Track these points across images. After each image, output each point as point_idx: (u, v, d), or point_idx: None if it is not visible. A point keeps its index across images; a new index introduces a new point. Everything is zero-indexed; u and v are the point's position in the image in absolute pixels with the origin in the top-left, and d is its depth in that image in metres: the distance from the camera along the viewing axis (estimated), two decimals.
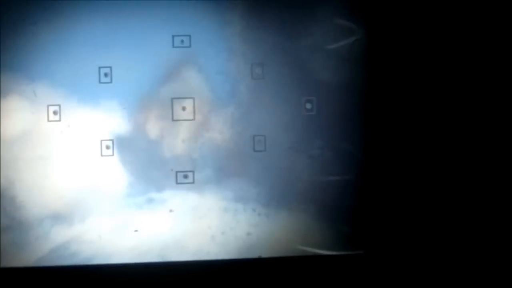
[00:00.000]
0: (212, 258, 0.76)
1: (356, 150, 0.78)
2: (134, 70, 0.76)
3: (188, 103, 0.77)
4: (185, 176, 0.77)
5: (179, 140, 0.77)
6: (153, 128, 0.77)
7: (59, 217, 0.75)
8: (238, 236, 0.76)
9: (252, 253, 0.76)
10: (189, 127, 0.77)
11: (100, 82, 0.76)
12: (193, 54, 0.77)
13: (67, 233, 0.75)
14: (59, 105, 0.75)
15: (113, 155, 0.76)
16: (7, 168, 0.74)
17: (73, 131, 0.76)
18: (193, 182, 0.77)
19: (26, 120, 0.75)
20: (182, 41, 0.77)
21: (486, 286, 0.74)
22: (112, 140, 0.76)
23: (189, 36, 0.77)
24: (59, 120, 0.75)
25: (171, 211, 0.76)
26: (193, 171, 0.77)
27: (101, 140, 0.76)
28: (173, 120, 0.77)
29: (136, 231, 0.76)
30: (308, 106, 0.78)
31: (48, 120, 0.75)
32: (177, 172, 0.77)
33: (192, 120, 0.77)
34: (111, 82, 0.76)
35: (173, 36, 0.77)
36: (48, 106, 0.75)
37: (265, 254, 0.77)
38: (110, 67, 0.76)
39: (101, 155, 0.76)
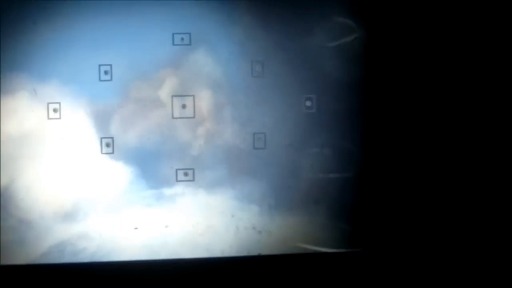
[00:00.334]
0: (211, 255, 0.76)
1: (356, 148, 0.78)
2: (134, 68, 0.76)
3: (188, 101, 0.77)
4: (185, 174, 0.77)
5: (179, 138, 0.77)
6: (153, 126, 0.77)
7: (59, 215, 0.75)
8: (237, 233, 0.77)
9: (251, 250, 0.77)
10: (189, 125, 0.77)
11: (100, 80, 0.76)
12: (193, 52, 0.77)
13: (67, 231, 0.75)
14: (59, 103, 0.75)
15: (113, 152, 0.76)
16: (7, 165, 0.74)
17: (73, 128, 0.76)
18: (193, 180, 0.77)
19: (26, 118, 0.75)
20: (182, 39, 0.77)
21: (485, 285, 0.74)
22: (112, 138, 0.76)
23: (189, 34, 0.77)
24: (59, 118, 0.75)
25: (170, 208, 0.76)
26: (193, 169, 0.77)
27: (101, 138, 0.76)
28: (173, 117, 0.77)
29: (136, 228, 0.76)
30: (308, 103, 0.78)
31: (48, 118, 0.75)
32: (177, 169, 0.77)
33: (192, 117, 0.77)
34: (111, 79, 0.76)
35: (173, 34, 0.77)
36: (48, 104, 0.75)
37: (264, 251, 0.77)
38: (110, 65, 0.76)
39: (101, 153, 0.76)
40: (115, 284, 0.74)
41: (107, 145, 0.76)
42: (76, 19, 0.75)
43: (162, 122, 0.77)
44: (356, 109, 0.79)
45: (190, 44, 0.77)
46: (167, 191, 0.77)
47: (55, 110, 0.75)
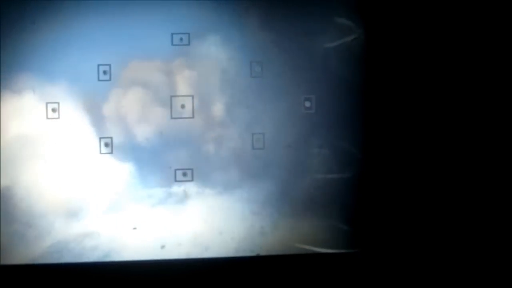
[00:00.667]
0: (210, 255, 0.76)
1: (355, 148, 0.78)
2: (133, 67, 0.76)
3: (187, 101, 0.77)
4: (184, 174, 0.77)
5: (178, 138, 0.77)
6: (152, 126, 0.77)
7: (57, 215, 0.75)
8: (236, 233, 0.77)
9: (249, 251, 0.77)
10: (188, 125, 0.77)
11: (99, 80, 0.76)
12: (192, 52, 0.77)
13: (66, 231, 0.75)
14: (58, 103, 0.75)
15: (112, 153, 0.76)
16: (6, 165, 0.74)
17: (72, 128, 0.75)
18: (191, 180, 0.77)
19: (25, 118, 0.75)
20: (181, 39, 0.77)
21: (485, 285, 0.74)
22: (111, 138, 0.76)
23: (188, 34, 0.77)
24: (58, 118, 0.75)
25: (169, 208, 0.76)
26: (191, 169, 0.77)
27: (100, 138, 0.76)
28: (172, 118, 0.77)
29: (134, 228, 0.76)
30: (307, 104, 0.78)
31: (47, 118, 0.75)
32: (175, 170, 0.77)
33: (191, 118, 0.77)
34: (110, 79, 0.76)
35: (172, 34, 0.77)
36: (47, 103, 0.75)
37: (262, 252, 0.77)
38: (109, 65, 0.76)
39: (100, 153, 0.76)
40: (114, 284, 0.74)
41: (106, 145, 0.76)
42: (75, 19, 0.75)
43: (161, 122, 0.77)
44: (355, 110, 0.79)
45: (189, 44, 0.77)
46: (166, 191, 0.77)
47: (53, 110, 0.75)
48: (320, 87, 0.78)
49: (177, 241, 0.76)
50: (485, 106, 0.76)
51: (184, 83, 0.77)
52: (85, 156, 0.76)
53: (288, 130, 0.78)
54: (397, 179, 0.77)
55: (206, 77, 0.78)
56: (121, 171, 0.76)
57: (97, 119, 0.76)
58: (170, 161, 0.77)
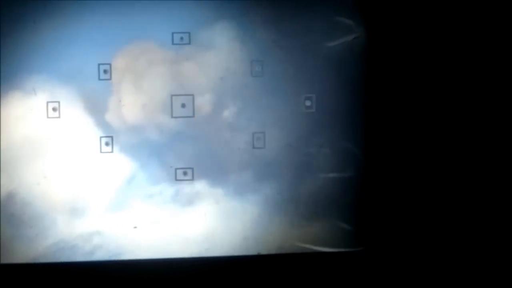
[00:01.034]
0: (211, 255, 0.76)
1: (356, 147, 0.78)
2: (133, 67, 0.76)
3: (187, 100, 0.77)
4: (185, 173, 0.77)
5: (178, 137, 0.77)
6: (153, 125, 0.77)
7: (58, 214, 0.75)
8: (237, 232, 0.77)
9: (251, 250, 0.77)
10: (188, 124, 0.77)
11: (99, 79, 0.76)
12: (192, 51, 0.77)
13: (66, 230, 0.75)
14: (59, 102, 0.75)
15: (112, 152, 0.76)
16: (7, 165, 0.74)
17: (72, 127, 0.75)
18: (192, 179, 0.77)
19: (25, 117, 0.75)
20: (181, 38, 0.77)
21: (487, 285, 0.74)
22: (112, 137, 0.76)
23: (189, 33, 0.77)
24: (59, 117, 0.75)
25: (170, 207, 0.76)
26: (192, 168, 0.77)
27: (100, 137, 0.76)
28: (172, 117, 0.77)
29: (135, 227, 0.76)
30: (308, 103, 0.78)
31: (48, 117, 0.75)
32: (176, 169, 0.77)
33: (191, 117, 0.77)
34: (110, 79, 0.76)
35: (172, 33, 0.77)
36: (47, 102, 0.75)
37: (264, 251, 0.77)
38: (110, 64, 0.76)
39: (100, 152, 0.76)
40: (114, 283, 0.73)
41: (106, 144, 0.76)
42: (76, 18, 0.75)
43: (161, 121, 0.77)
44: (356, 109, 0.78)
45: (189, 43, 0.77)
46: (166, 190, 0.76)
47: (54, 109, 0.75)
48: (320, 86, 0.78)
49: (178, 240, 0.76)
50: (488, 106, 0.76)
51: (184, 82, 0.77)
52: (86, 155, 0.76)
53: (289, 129, 0.78)
54: (399, 177, 0.77)
55: (207, 76, 0.78)
56: (121, 170, 0.76)
57: (97, 118, 0.76)
58: (170, 160, 0.77)
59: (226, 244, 0.76)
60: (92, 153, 0.76)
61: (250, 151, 0.78)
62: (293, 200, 0.78)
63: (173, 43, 0.77)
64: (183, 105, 0.77)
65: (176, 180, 0.77)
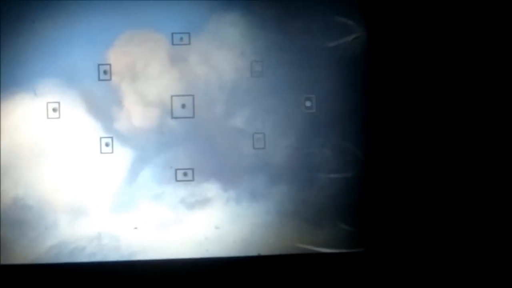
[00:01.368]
0: (211, 255, 0.76)
1: (357, 147, 0.78)
2: (133, 67, 0.76)
3: (187, 101, 0.77)
4: (185, 174, 0.77)
5: (178, 138, 0.77)
6: (153, 126, 0.77)
7: (58, 215, 0.75)
8: (237, 233, 0.76)
9: (251, 250, 0.76)
10: (188, 125, 0.77)
11: (99, 80, 0.76)
12: (192, 52, 0.77)
13: (66, 231, 0.75)
14: (59, 103, 0.75)
15: (112, 152, 0.76)
16: (6, 165, 0.74)
17: (72, 128, 0.75)
18: (192, 180, 0.77)
19: (25, 118, 0.75)
20: (181, 38, 0.77)
21: (490, 285, 0.73)
22: (112, 138, 0.76)
23: (189, 33, 0.77)
24: (59, 118, 0.75)
25: (170, 208, 0.76)
26: (192, 169, 0.77)
27: (101, 138, 0.76)
28: (172, 117, 0.77)
29: (135, 228, 0.75)
30: (308, 104, 0.78)
31: (48, 118, 0.75)
32: (176, 169, 0.77)
33: (191, 117, 0.77)
34: (110, 79, 0.76)
35: (172, 34, 0.77)
36: (47, 103, 0.75)
37: (264, 252, 0.76)
38: (109, 65, 0.76)
39: (101, 153, 0.76)
40: (114, 284, 0.73)
41: (107, 144, 0.76)
42: (76, 18, 0.75)
43: (161, 122, 0.77)
44: (357, 109, 0.78)
45: (189, 44, 0.77)
46: (167, 191, 0.76)
47: (54, 110, 0.75)
48: (321, 87, 0.78)
49: (178, 241, 0.75)
50: (489, 106, 0.76)
51: (184, 82, 0.78)
52: (86, 156, 0.76)
53: (289, 130, 0.78)
54: (400, 178, 0.77)
55: (207, 77, 0.78)
56: (121, 171, 0.76)
57: (97, 119, 0.76)
58: (170, 161, 0.77)
59: (226, 245, 0.76)
60: (92, 153, 0.76)
61: (250, 152, 0.78)
62: (294, 201, 0.77)
63: (173, 44, 0.77)
64: (183, 106, 0.77)
65: (177, 181, 0.77)
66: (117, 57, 0.76)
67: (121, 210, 0.76)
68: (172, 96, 0.77)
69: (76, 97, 0.76)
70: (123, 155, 0.76)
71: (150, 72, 0.77)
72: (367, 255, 0.76)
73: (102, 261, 0.75)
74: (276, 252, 0.76)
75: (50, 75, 0.75)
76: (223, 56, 0.78)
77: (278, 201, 0.77)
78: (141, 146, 0.77)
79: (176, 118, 0.77)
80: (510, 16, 0.76)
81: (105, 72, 0.76)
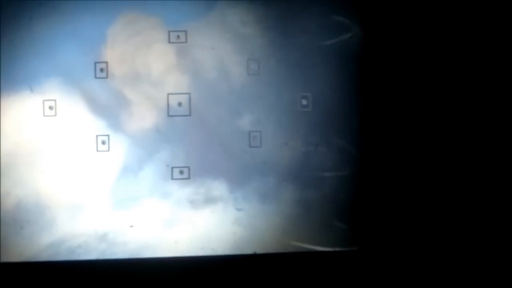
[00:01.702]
0: (206, 254, 0.76)
1: (352, 146, 0.78)
2: (130, 65, 0.76)
3: (184, 99, 0.77)
4: (181, 172, 0.77)
5: (174, 136, 0.77)
6: (149, 124, 0.77)
7: (54, 212, 0.75)
8: (233, 232, 0.77)
9: (246, 249, 0.77)
10: (185, 123, 0.77)
11: (96, 77, 0.76)
12: (189, 50, 0.77)
13: (62, 229, 0.75)
14: (55, 100, 0.75)
15: (108, 150, 0.76)
16: (4, 163, 0.74)
17: (68, 126, 0.76)
18: (188, 178, 0.77)
19: (22, 115, 0.75)
20: (178, 36, 0.77)
21: (484, 285, 0.74)
22: (108, 136, 0.76)
23: (185, 31, 0.77)
24: (55, 115, 0.75)
25: (165, 206, 0.76)
26: (188, 167, 0.77)
27: (97, 136, 0.76)
28: (169, 115, 0.77)
29: (131, 226, 0.76)
30: (304, 102, 0.78)
31: (44, 115, 0.75)
32: (172, 167, 0.77)
33: (188, 115, 0.77)
34: (106, 77, 0.76)
35: (169, 32, 0.77)
36: (43, 101, 0.75)
37: (259, 250, 0.77)
38: (106, 62, 0.76)
39: (97, 150, 0.76)
40: (110, 282, 0.73)
41: (103, 142, 0.76)
42: (72, 16, 0.75)
43: (157, 120, 0.77)
44: (352, 108, 0.78)
45: (186, 42, 0.77)
46: (162, 189, 0.76)
47: (50, 108, 0.75)
48: (317, 85, 0.78)
49: (174, 239, 0.76)
50: (483, 103, 0.76)
51: (181, 80, 0.78)
52: (82, 154, 0.76)
53: (285, 128, 0.78)
54: (394, 176, 0.77)
55: (203, 75, 0.78)
56: (117, 169, 0.76)
57: (94, 116, 0.76)
58: (166, 159, 0.77)
59: (221, 243, 0.76)
60: (89, 151, 0.76)
61: (246, 150, 0.78)
62: (288, 199, 0.78)
63: (169, 42, 0.77)
64: (179, 104, 0.77)
65: (172, 179, 0.77)
66: (114, 55, 0.76)
67: (117, 208, 0.76)
68: (168, 94, 0.77)
69: (73, 95, 0.76)
70: (119, 153, 0.76)
71: (147, 70, 0.77)
72: (361, 253, 0.77)
73: (98, 259, 0.75)
74: (271, 250, 0.77)
75: (47, 73, 0.75)
76: (220, 54, 0.78)
77: (273, 199, 0.77)
78: (138, 144, 0.77)
79: (172, 116, 0.77)
80: (507, 16, 0.76)
81: (101, 70, 0.76)
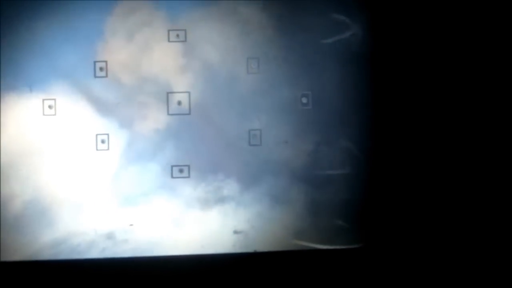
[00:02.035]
0: (207, 252, 0.75)
1: (352, 144, 0.78)
2: (129, 64, 0.77)
3: (183, 98, 0.77)
4: (181, 171, 0.77)
5: (174, 134, 0.77)
6: (149, 123, 0.77)
7: (55, 212, 0.75)
8: (234, 230, 0.76)
9: (247, 247, 0.76)
10: (184, 122, 0.77)
11: (95, 77, 0.76)
12: (188, 49, 0.77)
13: (63, 228, 0.75)
14: (55, 99, 0.75)
15: (108, 149, 0.76)
16: (4, 163, 0.74)
17: (68, 125, 0.75)
18: (188, 176, 0.77)
19: (22, 115, 0.75)
20: (177, 35, 0.77)
21: (485, 282, 0.73)
22: (108, 135, 0.76)
23: (185, 30, 0.77)
24: (55, 114, 0.75)
25: (166, 205, 0.76)
26: (188, 165, 0.77)
27: (97, 135, 0.76)
28: (168, 114, 0.77)
29: (131, 225, 0.75)
30: (304, 100, 0.78)
31: (44, 114, 0.75)
32: (172, 166, 0.77)
33: (187, 114, 0.77)
34: (106, 76, 0.76)
35: (168, 31, 0.77)
36: (43, 100, 0.75)
37: (260, 248, 0.76)
38: (106, 62, 0.76)
39: (96, 149, 0.76)
40: (110, 280, 0.73)
41: (102, 141, 0.76)
42: (72, 15, 0.75)
43: (157, 118, 0.77)
44: (352, 106, 0.78)
45: (185, 40, 0.77)
46: (162, 187, 0.76)
47: (50, 107, 0.75)
48: (317, 84, 0.78)
49: (174, 238, 0.75)
50: (484, 101, 0.76)
51: (180, 79, 0.78)
52: (82, 153, 0.75)
53: (285, 127, 0.78)
54: (397, 174, 0.77)
55: (203, 74, 0.78)
56: (117, 168, 0.76)
57: (93, 115, 0.76)
58: (166, 157, 0.77)
59: (222, 241, 0.76)
60: (88, 150, 0.76)
61: (246, 148, 0.78)
62: (290, 197, 0.77)
63: (169, 41, 0.77)
64: (179, 103, 0.77)
65: (172, 177, 0.76)
66: (114, 54, 0.76)
67: (117, 207, 0.75)
68: (168, 93, 0.77)
69: (72, 94, 0.76)
70: (119, 152, 0.76)
71: (146, 69, 0.77)
72: (363, 251, 0.76)
73: (99, 257, 0.75)
74: (272, 248, 0.76)
75: (46, 72, 0.75)
76: (219, 53, 0.78)
77: (274, 197, 0.77)
78: (137, 143, 0.77)
79: (172, 115, 0.77)
80: (507, 16, 0.76)
81: (101, 69, 0.76)
